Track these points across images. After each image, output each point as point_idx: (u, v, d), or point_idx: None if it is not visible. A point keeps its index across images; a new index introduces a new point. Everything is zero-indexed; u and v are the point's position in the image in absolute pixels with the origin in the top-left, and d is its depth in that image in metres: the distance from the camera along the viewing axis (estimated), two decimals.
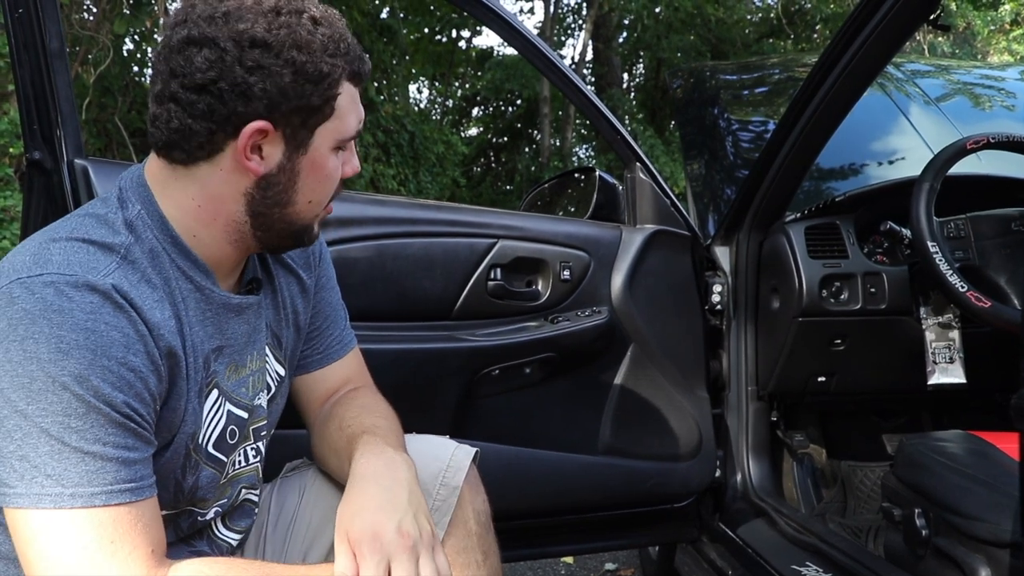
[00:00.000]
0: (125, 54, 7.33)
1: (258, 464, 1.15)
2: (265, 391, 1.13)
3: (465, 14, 11.52)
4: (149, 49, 8.51)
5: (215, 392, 1.03)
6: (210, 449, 1.03)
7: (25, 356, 0.83)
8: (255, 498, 1.17)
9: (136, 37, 7.81)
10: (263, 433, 1.15)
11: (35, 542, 0.84)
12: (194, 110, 0.93)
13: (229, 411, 1.05)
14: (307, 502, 1.21)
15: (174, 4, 7.28)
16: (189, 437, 0.99)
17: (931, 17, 1.48)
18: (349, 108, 1.00)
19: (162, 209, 0.98)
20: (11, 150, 4.76)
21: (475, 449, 1.24)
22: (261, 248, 1.06)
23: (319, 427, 1.20)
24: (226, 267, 1.05)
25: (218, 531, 1.14)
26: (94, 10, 6.04)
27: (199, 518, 1.07)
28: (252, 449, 1.13)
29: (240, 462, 1.11)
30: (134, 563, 0.85)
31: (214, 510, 1.09)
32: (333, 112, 0.98)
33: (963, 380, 1.80)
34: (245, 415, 1.08)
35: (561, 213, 2.18)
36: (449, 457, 1.21)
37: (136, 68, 8.11)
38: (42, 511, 0.83)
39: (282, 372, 1.19)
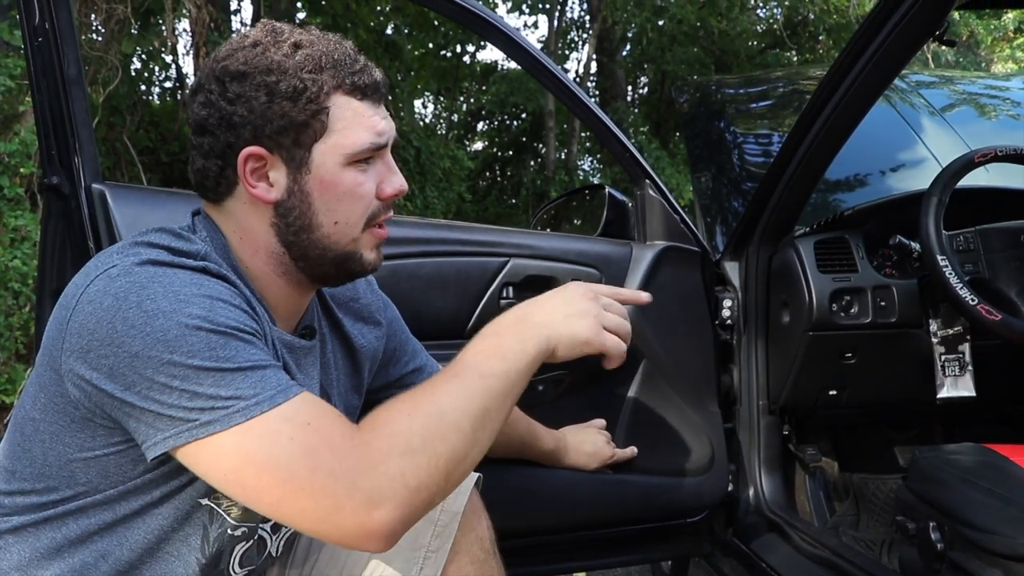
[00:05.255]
0: (133, 73, 7.39)
1: None
2: None
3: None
4: (156, 68, 8.58)
5: None
6: None
7: (148, 315, 0.87)
8: (265, 536, 1.13)
9: (143, 56, 7.88)
10: None
11: (243, 460, 0.86)
12: (202, 150, 1.02)
13: None
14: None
15: (181, 23, 7.34)
16: None
17: (937, 32, 1.50)
18: (352, 121, 1.00)
19: (223, 238, 1.04)
20: (22, 170, 4.79)
21: (477, 475, 1.25)
22: (314, 281, 1.08)
23: None
24: (284, 307, 1.08)
25: (233, 567, 1.11)
26: (102, 30, 6.09)
27: (227, 526, 1.06)
28: None
29: None
30: (338, 426, 0.89)
31: (241, 529, 1.08)
32: (326, 127, 0.99)
33: (972, 393, 1.80)
34: None
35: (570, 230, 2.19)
36: None
37: (143, 87, 8.18)
38: (236, 428, 0.86)
39: None
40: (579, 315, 1.07)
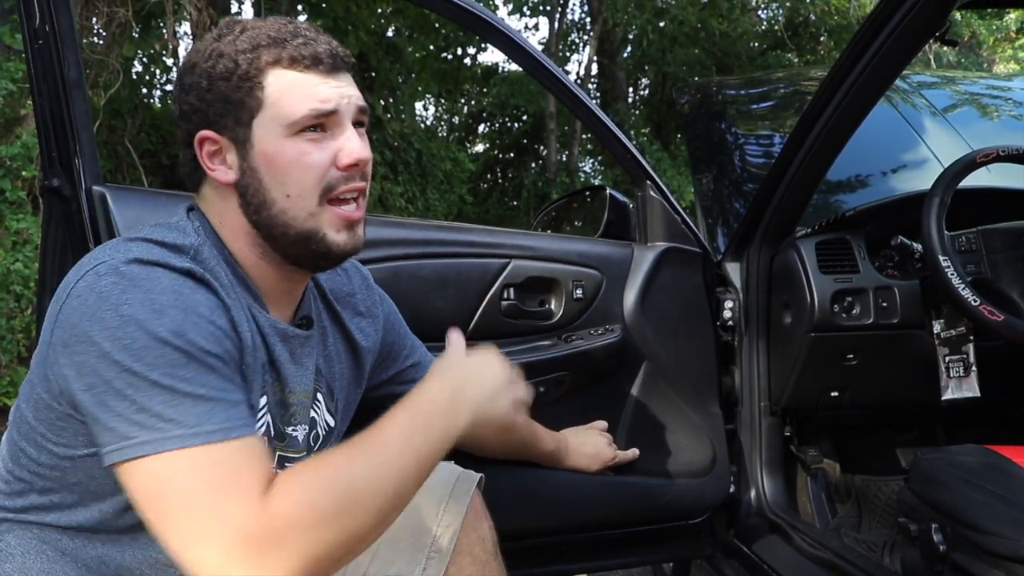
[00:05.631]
0: (134, 76, 7.39)
1: None
2: (305, 425, 1.13)
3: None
4: (157, 71, 8.59)
5: (265, 398, 1.05)
6: None
7: (122, 320, 0.87)
8: None
9: (144, 59, 7.89)
10: (287, 466, 1.11)
11: (162, 487, 0.85)
12: (180, 143, 1.07)
13: (268, 422, 1.06)
14: None
15: (182, 26, 7.35)
16: None
17: (938, 33, 1.49)
18: (288, 92, 1.00)
19: (211, 227, 1.06)
20: (24, 173, 4.80)
21: (479, 475, 1.26)
22: (288, 262, 1.07)
23: None
24: (275, 294, 1.09)
25: None
26: (103, 33, 6.10)
27: None
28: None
29: None
30: (261, 483, 0.87)
31: None
32: (262, 102, 1.00)
33: (977, 393, 1.80)
34: (272, 433, 1.08)
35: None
36: (453, 483, 1.23)
37: (144, 90, 8.18)
38: (167, 454, 0.85)
39: (332, 423, 1.20)
40: (504, 392, 1.10)
